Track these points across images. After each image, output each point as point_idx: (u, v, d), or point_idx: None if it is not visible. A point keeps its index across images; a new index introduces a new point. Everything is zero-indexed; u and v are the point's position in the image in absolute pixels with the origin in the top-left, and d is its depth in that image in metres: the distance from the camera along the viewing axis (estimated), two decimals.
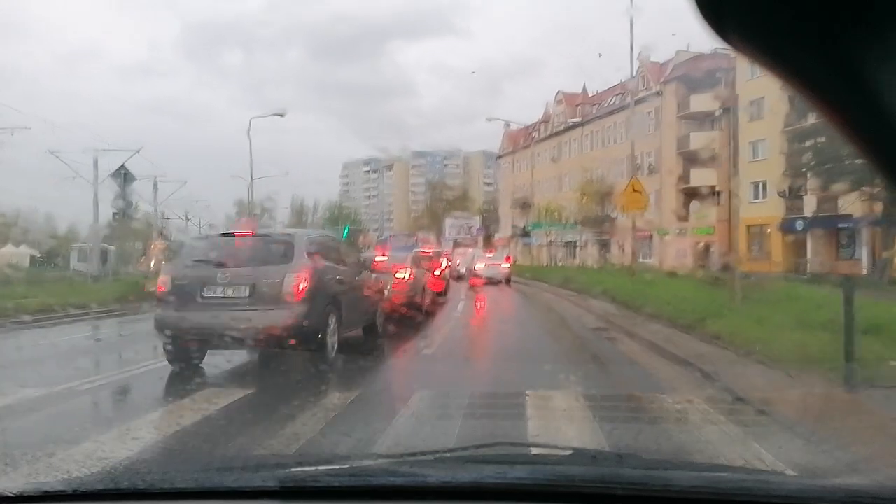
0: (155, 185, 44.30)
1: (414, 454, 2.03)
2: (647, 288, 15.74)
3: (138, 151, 34.02)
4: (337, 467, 1.95)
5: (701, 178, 45.69)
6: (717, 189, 45.75)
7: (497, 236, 69.28)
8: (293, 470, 1.83)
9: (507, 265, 29.91)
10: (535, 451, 2.53)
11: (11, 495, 1.67)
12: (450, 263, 28.44)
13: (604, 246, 51.04)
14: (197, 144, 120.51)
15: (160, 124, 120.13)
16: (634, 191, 17.51)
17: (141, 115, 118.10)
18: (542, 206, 45.22)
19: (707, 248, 45.97)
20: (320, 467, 1.91)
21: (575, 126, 57.12)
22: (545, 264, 44.01)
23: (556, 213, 43.16)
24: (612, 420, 5.15)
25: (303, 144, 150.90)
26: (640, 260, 49.20)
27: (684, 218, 45.96)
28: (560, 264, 50.15)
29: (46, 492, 1.70)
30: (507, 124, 70.68)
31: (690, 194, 46.07)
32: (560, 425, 4.96)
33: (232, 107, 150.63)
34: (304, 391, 6.25)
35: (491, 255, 31.95)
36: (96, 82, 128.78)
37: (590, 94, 56.91)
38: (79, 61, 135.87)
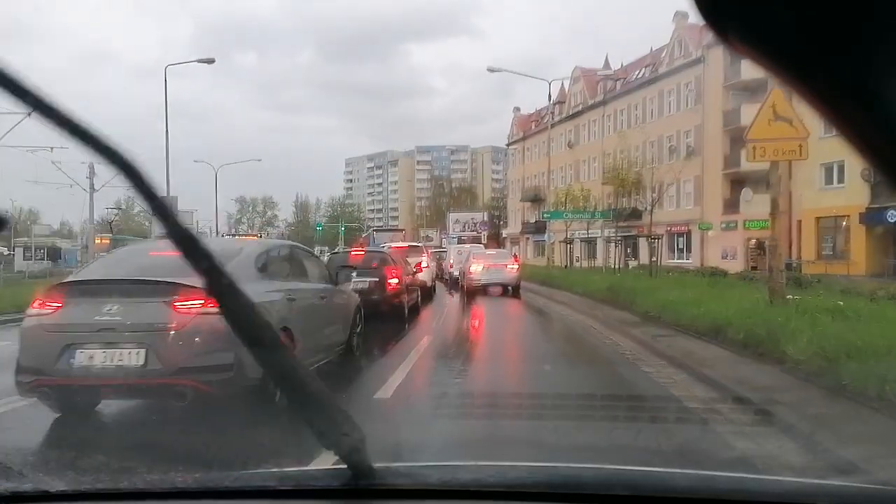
0: (91, 168, 35.67)
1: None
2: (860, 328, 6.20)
3: (29, 114, 25.12)
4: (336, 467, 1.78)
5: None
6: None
7: (505, 233, 59.71)
8: (293, 469, 1.78)
9: (515, 266, 20.44)
10: (534, 450, 2.43)
11: (12, 494, 1.60)
12: (430, 264, 19.07)
13: (631, 243, 41.51)
14: (207, 143, 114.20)
15: (173, 125, 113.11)
16: (777, 115, 8.06)
17: (154, 116, 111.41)
18: (560, 193, 35.68)
19: (760, 245, 36.26)
20: (320, 467, 1.84)
21: (595, 105, 47.52)
22: (564, 265, 34.52)
23: (578, 200, 33.51)
24: (612, 419, 4.70)
25: (314, 144, 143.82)
26: (676, 260, 39.67)
27: (733, 209, 36.32)
28: (579, 265, 40.57)
29: (47, 491, 1.62)
30: (517, 108, 61.28)
31: (740, 180, 36.45)
32: (560, 424, 4.48)
33: (244, 107, 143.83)
34: None
35: (492, 252, 22.47)
36: (110, 83, 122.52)
37: (613, 69, 47.16)
38: (93, 62, 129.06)
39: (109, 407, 5.06)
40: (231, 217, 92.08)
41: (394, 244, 20.09)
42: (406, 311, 12.30)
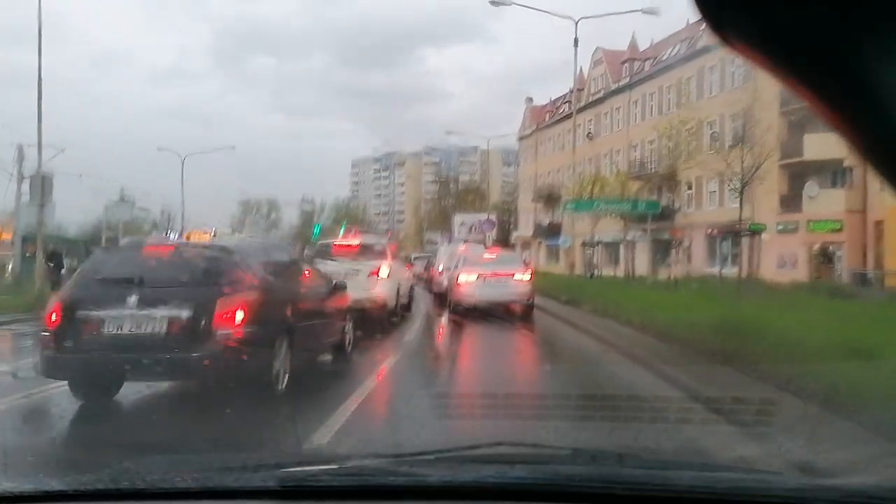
0: (20, 152, 29.04)
1: (414, 454, 1.90)
2: None
3: None
4: (337, 467, 1.84)
5: (820, 147, 28.63)
6: (846, 163, 28.90)
7: (515, 236, 52.54)
8: (293, 469, 1.73)
9: (526, 277, 13.35)
10: (534, 451, 2.25)
11: (12, 495, 1.56)
12: (393, 272, 12.03)
13: (661, 248, 34.44)
14: (214, 145, 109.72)
15: (187, 128, 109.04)
16: None
17: (169, 120, 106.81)
18: (586, 180, 28.41)
19: (824, 250, 28.89)
20: (320, 467, 1.83)
21: (620, 90, 40.32)
22: (589, 274, 27.27)
23: (610, 187, 26.21)
24: (612, 420, 4.58)
25: (324, 147, 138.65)
26: (718, 268, 32.38)
27: (792, 207, 29.00)
28: (599, 273, 33.41)
29: (47, 491, 1.60)
30: (530, 99, 54.20)
31: (801, 173, 29.19)
32: (560, 425, 4.34)
33: (258, 111, 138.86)
34: None
35: (493, 255, 15.41)
36: (126, 86, 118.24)
37: (640, 49, 40.04)
38: (110, 65, 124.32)
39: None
40: (234, 218, 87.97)
41: (337, 241, 13.20)
42: (279, 383, 5.26)
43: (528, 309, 13.13)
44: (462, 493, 1.51)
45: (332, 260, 11.88)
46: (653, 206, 23.16)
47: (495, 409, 5.19)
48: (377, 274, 11.65)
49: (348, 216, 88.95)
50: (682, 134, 22.42)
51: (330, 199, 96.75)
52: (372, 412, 5.46)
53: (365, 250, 12.25)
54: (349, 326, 7.76)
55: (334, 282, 7.31)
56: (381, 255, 12.24)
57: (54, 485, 1.62)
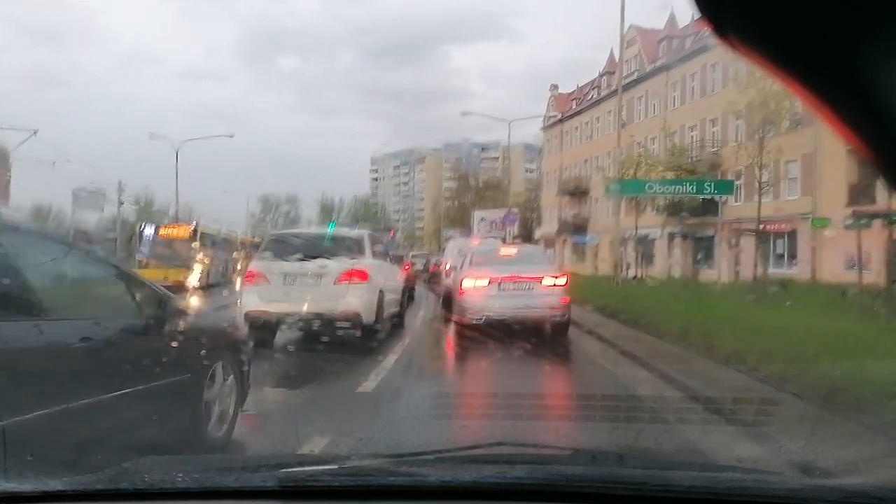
0: None
1: (414, 454, 1.86)
2: None
3: None
4: (337, 467, 1.76)
5: None
6: None
7: (538, 233, 48.58)
8: (293, 470, 1.67)
9: (557, 281, 9.39)
10: (534, 451, 2.19)
11: (12, 495, 1.54)
12: (373, 274, 8.22)
13: (703, 246, 30.44)
14: (237, 145, 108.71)
15: (209, 127, 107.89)
16: None
17: (194, 119, 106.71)
18: (628, 160, 24.41)
19: None
20: (320, 467, 1.78)
21: (656, 72, 36.22)
22: (634, 276, 23.29)
23: (661, 167, 22.20)
24: (612, 420, 4.42)
25: (347, 146, 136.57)
26: (772, 269, 28.21)
27: (864, 199, 24.73)
28: (644, 273, 29.36)
29: (46, 492, 1.56)
30: (555, 87, 50.21)
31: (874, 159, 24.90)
32: (560, 425, 4.28)
33: (281, 110, 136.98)
34: None
35: (511, 252, 11.63)
36: (153, 85, 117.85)
37: (680, 26, 35.93)
38: (138, 65, 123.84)
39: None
40: (254, 216, 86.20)
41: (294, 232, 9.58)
42: None
43: (562, 327, 9.33)
44: (461, 493, 1.50)
45: (286, 259, 8.34)
46: (726, 187, 17.80)
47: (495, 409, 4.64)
48: (348, 278, 8.04)
49: (366, 214, 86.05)
50: (770, 92, 18.17)
51: (349, 197, 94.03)
52: None
53: (334, 246, 8.60)
54: (227, 382, 4.07)
55: (167, 301, 3.60)
56: (357, 251, 8.56)
57: (54, 485, 1.58)
